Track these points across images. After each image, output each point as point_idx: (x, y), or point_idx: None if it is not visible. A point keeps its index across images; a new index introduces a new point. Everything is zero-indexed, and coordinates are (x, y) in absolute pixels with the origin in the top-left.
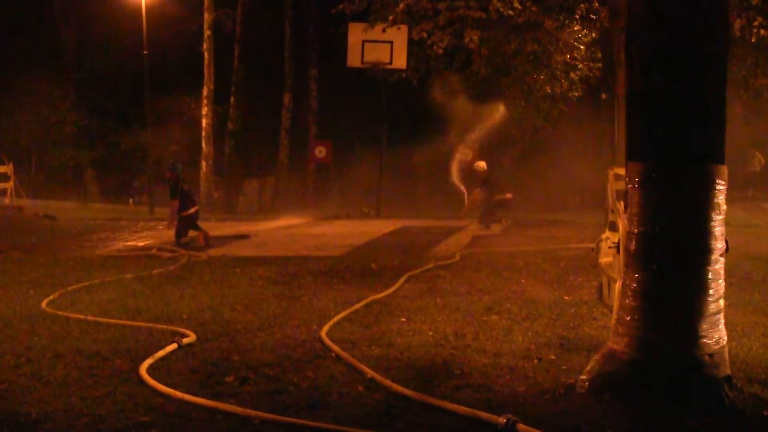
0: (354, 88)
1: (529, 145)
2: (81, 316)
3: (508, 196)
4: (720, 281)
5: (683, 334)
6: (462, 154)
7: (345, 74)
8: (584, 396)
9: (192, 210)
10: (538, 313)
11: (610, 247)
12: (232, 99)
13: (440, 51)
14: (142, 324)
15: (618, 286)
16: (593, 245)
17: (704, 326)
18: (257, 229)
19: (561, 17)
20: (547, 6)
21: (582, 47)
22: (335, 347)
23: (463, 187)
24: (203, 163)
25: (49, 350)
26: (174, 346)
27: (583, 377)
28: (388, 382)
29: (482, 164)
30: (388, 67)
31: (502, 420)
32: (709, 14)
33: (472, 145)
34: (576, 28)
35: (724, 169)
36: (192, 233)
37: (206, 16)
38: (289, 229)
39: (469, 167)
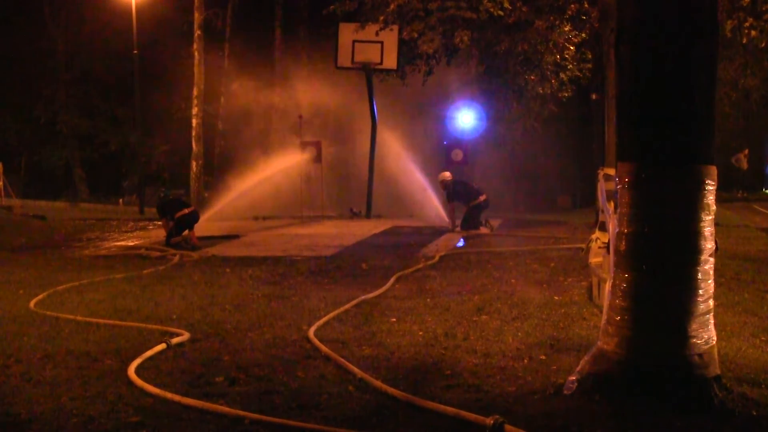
0: (344, 88)
1: (519, 146)
2: (70, 317)
3: (482, 198)
4: (709, 281)
5: (673, 334)
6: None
7: (334, 74)
8: (574, 396)
9: (186, 211)
10: (528, 314)
11: (600, 248)
12: (222, 99)
13: (430, 50)
14: (132, 324)
15: (608, 286)
16: (583, 245)
17: (694, 326)
18: (248, 229)
19: (551, 18)
20: (537, 6)
21: (572, 48)
22: (324, 347)
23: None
24: (193, 163)
25: (39, 350)
26: (162, 346)
27: (573, 377)
28: (378, 383)
29: (447, 175)
30: (379, 67)
31: (490, 421)
32: (698, 16)
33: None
34: (566, 29)
35: (714, 170)
36: (185, 233)
37: (196, 16)
38: (279, 230)
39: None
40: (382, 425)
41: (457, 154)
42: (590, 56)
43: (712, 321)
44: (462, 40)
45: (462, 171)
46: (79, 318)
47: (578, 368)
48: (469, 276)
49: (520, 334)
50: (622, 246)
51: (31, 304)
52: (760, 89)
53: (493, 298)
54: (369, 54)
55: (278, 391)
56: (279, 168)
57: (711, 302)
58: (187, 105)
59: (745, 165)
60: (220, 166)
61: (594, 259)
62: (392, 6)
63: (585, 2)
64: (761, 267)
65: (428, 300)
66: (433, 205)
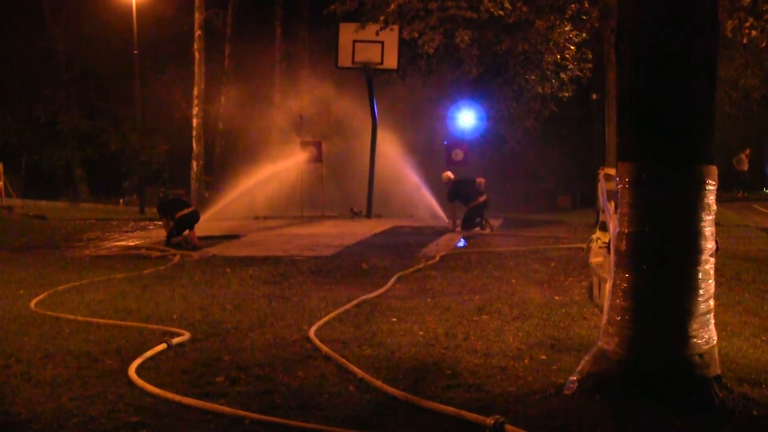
0: (344, 88)
1: (519, 145)
2: (71, 316)
3: (482, 199)
4: (710, 281)
5: (673, 334)
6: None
7: (335, 74)
8: (574, 396)
9: (186, 211)
10: (528, 313)
11: (600, 247)
12: (222, 99)
13: (431, 50)
14: (133, 324)
15: (608, 286)
16: (584, 245)
17: (694, 326)
18: (248, 229)
19: (552, 17)
20: (537, 6)
21: (572, 47)
22: (324, 347)
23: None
24: (194, 163)
25: (39, 350)
26: (163, 345)
27: (573, 377)
28: (378, 383)
29: (449, 174)
30: (379, 67)
31: (490, 421)
32: (698, 15)
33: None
34: (566, 29)
35: (714, 170)
36: (186, 233)
37: (197, 15)
38: (279, 229)
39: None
40: (383, 425)
41: (458, 154)
42: (590, 56)
43: (712, 321)
44: (462, 39)
45: (463, 171)
46: (79, 318)
47: (579, 368)
48: (470, 276)
49: (520, 333)
50: (623, 246)
51: (32, 303)
52: (761, 89)
53: (494, 297)
54: (369, 54)
55: (279, 391)
56: (279, 168)
57: (711, 302)
58: (187, 105)
59: (746, 166)
60: (221, 166)
61: (594, 259)
62: (392, 6)
63: (585, 2)
64: (762, 267)
65: (429, 300)
66: (428, 205)
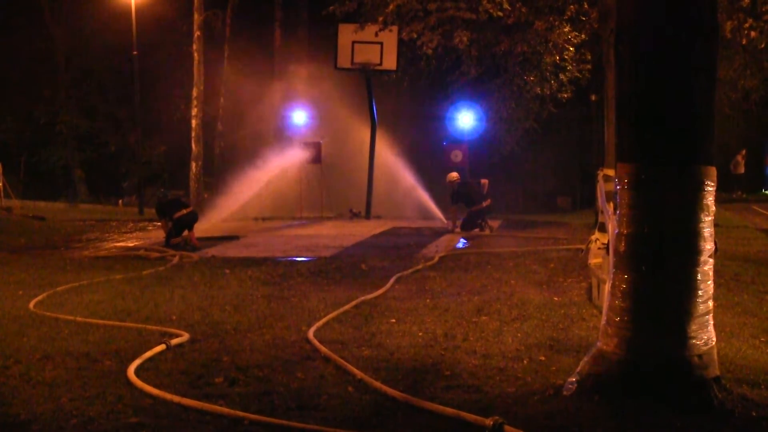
0: (343, 89)
1: (519, 146)
2: (70, 317)
3: (485, 204)
4: (709, 282)
5: (672, 335)
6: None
7: (334, 75)
8: (573, 397)
9: (184, 211)
10: (527, 314)
11: (599, 248)
12: (221, 100)
13: (430, 51)
14: (132, 325)
15: (607, 287)
16: (583, 246)
17: (693, 327)
18: (247, 230)
19: (551, 18)
20: (536, 7)
21: (571, 48)
22: (323, 348)
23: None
24: (193, 164)
25: (38, 351)
26: (162, 346)
27: (573, 378)
28: (377, 384)
29: (453, 176)
30: (378, 68)
31: (489, 422)
32: (697, 16)
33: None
34: (566, 30)
35: (713, 170)
36: (185, 234)
37: (196, 16)
38: (278, 230)
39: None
40: (382, 426)
41: (457, 155)
42: (589, 57)
43: (711, 322)
44: (461, 40)
45: (462, 172)
46: (78, 319)
47: (578, 369)
48: (469, 277)
49: (519, 334)
50: (622, 247)
51: (31, 304)
52: (760, 90)
53: (493, 298)
54: (368, 55)
55: (278, 392)
56: (278, 169)
57: (710, 303)
58: (186, 106)
59: (742, 168)
60: (220, 166)
61: (593, 260)
62: (391, 6)
63: (584, 3)
64: (761, 268)
65: (428, 301)
66: (427, 206)
